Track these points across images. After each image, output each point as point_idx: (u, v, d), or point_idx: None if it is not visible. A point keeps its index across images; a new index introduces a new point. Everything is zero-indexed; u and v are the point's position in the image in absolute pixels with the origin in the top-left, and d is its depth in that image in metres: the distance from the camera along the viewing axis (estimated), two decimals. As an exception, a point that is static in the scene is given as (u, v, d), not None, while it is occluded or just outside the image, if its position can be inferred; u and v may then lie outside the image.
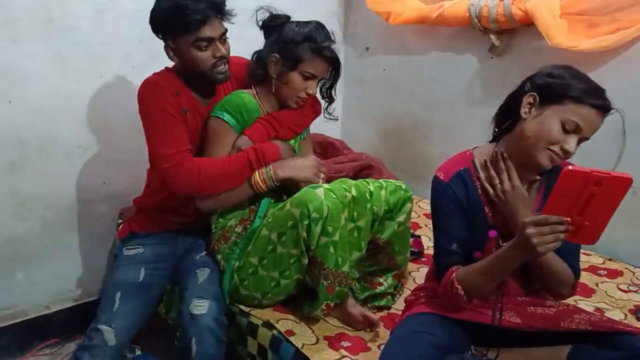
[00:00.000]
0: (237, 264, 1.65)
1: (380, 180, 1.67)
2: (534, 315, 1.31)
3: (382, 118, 2.93)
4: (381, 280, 1.71)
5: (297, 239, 1.51)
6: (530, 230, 1.12)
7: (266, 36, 1.76)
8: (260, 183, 1.67)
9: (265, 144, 1.70)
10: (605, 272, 1.93)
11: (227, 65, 1.72)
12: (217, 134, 1.70)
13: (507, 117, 1.38)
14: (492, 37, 2.28)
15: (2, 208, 2.01)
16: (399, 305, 1.72)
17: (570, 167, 1.07)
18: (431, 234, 2.23)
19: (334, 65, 1.74)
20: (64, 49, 2.03)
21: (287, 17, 1.74)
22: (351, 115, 3.03)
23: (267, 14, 1.74)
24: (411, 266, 1.94)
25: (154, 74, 1.77)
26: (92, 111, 2.14)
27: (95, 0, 2.06)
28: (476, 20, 2.25)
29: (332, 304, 1.56)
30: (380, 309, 1.71)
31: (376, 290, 1.70)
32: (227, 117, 1.69)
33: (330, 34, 1.72)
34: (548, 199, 1.12)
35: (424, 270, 1.96)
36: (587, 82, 1.25)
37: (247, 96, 1.73)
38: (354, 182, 1.61)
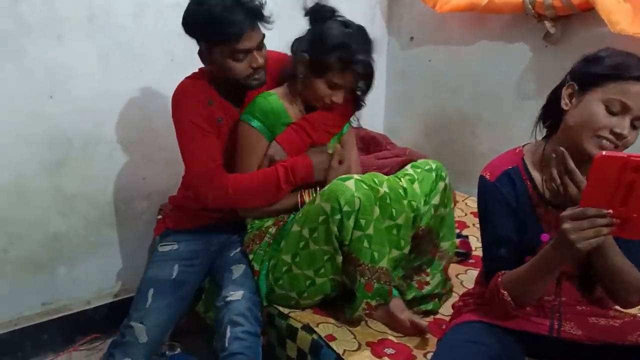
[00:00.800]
0: (271, 262, 1.60)
1: (409, 170, 1.58)
2: (597, 327, 1.20)
3: (428, 112, 2.82)
4: (428, 278, 1.61)
5: (329, 235, 1.44)
6: (566, 226, 1.02)
7: (310, 24, 1.65)
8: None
9: (297, 160, 1.63)
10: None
11: (263, 72, 1.65)
12: (247, 142, 1.65)
13: (551, 114, 1.27)
14: (548, 24, 2.14)
15: (46, 205, 2.02)
16: (445, 310, 1.63)
17: (603, 153, 0.95)
18: (479, 234, 2.16)
19: (366, 78, 1.64)
20: (106, 47, 2.01)
21: (332, 12, 1.63)
22: (395, 109, 2.93)
23: (313, 3, 1.63)
24: (458, 268, 1.85)
25: (188, 78, 1.72)
26: (133, 109, 2.12)
27: (136, -4, 2.04)
28: (530, 6, 2.11)
29: (373, 303, 1.48)
30: (426, 313, 1.62)
31: (423, 291, 1.60)
32: (254, 122, 1.63)
33: (371, 42, 1.61)
34: (584, 189, 1.01)
35: (473, 273, 1.87)
36: (626, 56, 1.13)
37: (274, 98, 1.65)
38: (385, 177, 1.54)
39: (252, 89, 1.67)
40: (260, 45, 1.62)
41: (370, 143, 2.55)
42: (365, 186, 1.43)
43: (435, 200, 1.57)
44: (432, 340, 1.48)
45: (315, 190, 1.62)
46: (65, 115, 1.98)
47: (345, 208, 1.41)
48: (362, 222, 1.41)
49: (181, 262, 1.72)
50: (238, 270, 1.66)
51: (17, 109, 1.88)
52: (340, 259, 1.48)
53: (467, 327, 1.26)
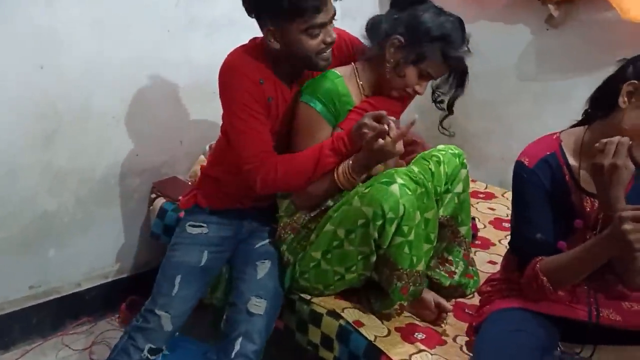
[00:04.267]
0: (299, 255, 1.56)
1: (435, 152, 1.56)
2: (633, 312, 1.24)
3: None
4: (453, 267, 1.61)
5: (367, 238, 1.40)
6: (627, 227, 1.04)
7: (395, 5, 1.56)
8: (342, 180, 1.51)
9: (342, 132, 1.54)
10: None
11: (330, 50, 1.53)
12: (309, 126, 1.55)
13: (603, 101, 1.26)
14: (551, 6, 2.15)
15: (35, 182, 1.89)
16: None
17: None
18: (480, 215, 2.19)
19: (461, 76, 1.59)
20: (99, 14, 1.87)
21: None
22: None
23: None
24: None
25: (237, 52, 1.58)
26: (127, 80, 2.00)
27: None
28: (535, -12, 2.12)
29: (406, 304, 1.47)
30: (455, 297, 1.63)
31: (453, 279, 1.60)
32: (319, 106, 1.53)
33: (467, 37, 1.56)
34: None
35: (482, 255, 1.90)
36: None
37: (340, 80, 1.55)
38: (417, 168, 1.51)
39: (319, 70, 1.55)
40: (334, 18, 1.51)
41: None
42: (409, 191, 1.39)
43: (458, 188, 1.56)
44: (458, 324, 1.49)
45: (348, 166, 1.51)
46: (54, 87, 1.84)
47: (390, 215, 1.36)
48: (405, 228, 1.38)
49: (211, 248, 1.64)
50: (263, 268, 1.59)
51: (4, 78, 1.73)
52: (374, 258, 1.45)
53: (508, 315, 1.27)
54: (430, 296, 1.50)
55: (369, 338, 1.40)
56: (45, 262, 2.00)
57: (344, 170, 1.50)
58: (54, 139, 1.88)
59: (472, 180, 2.50)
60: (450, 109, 1.68)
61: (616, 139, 1.13)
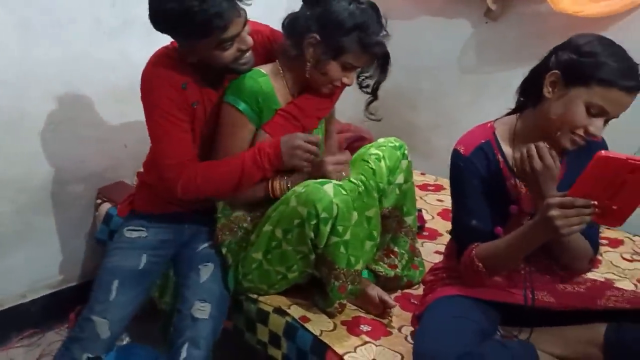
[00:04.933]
0: (240, 255, 1.54)
1: (374, 148, 1.57)
2: (567, 293, 1.28)
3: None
4: (396, 261, 1.63)
5: (304, 238, 1.40)
6: (554, 212, 1.09)
7: (306, 1, 1.52)
8: (279, 194, 1.50)
9: (265, 142, 1.51)
10: (608, 242, 1.92)
11: (251, 52, 1.50)
12: (231, 126, 1.53)
13: (530, 91, 1.29)
14: (489, 0, 2.20)
15: (-32, 192, 1.82)
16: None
17: (604, 153, 1.01)
18: (429, 207, 2.22)
19: (384, 60, 1.55)
20: (28, 14, 1.81)
21: None
22: (333, 83, 2.91)
23: None
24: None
25: (160, 56, 1.54)
26: (62, 83, 1.94)
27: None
28: (472, -18, 2.16)
29: (344, 302, 1.48)
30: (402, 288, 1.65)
31: (396, 271, 1.62)
32: (242, 105, 1.51)
33: (384, 21, 1.50)
34: (577, 181, 1.07)
35: (428, 245, 1.93)
36: (619, 61, 1.14)
37: (264, 79, 1.52)
38: (354, 165, 1.53)
39: (242, 73, 1.53)
40: (245, 23, 1.46)
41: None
42: (343, 191, 1.39)
43: (400, 179, 1.58)
44: (403, 314, 1.51)
45: (288, 183, 1.52)
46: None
47: (323, 215, 1.35)
48: (340, 228, 1.38)
49: (149, 251, 1.60)
50: (206, 271, 1.57)
51: None
52: (313, 257, 1.45)
53: (449, 302, 1.29)
54: (374, 292, 1.51)
55: (315, 333, 1.40)
56: (-15, 274, 1.93)
57: (282, 188, 1.51)
58: (-16, 145, 1.82)
59: (422, 173, 2.54)
60: (374, 94, 1.67)
61: (537, 144, 1.19)
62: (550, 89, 1.20)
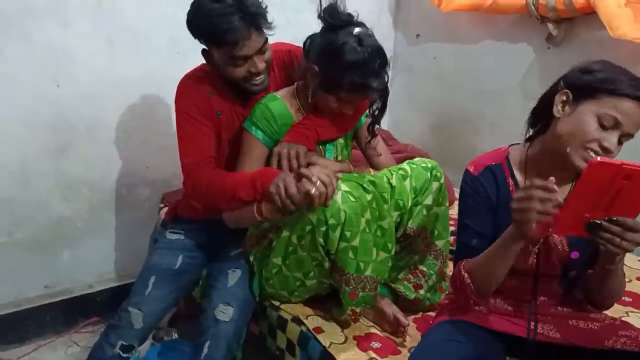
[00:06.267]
0: (263, 262, 1.63)
1: (405, 165, 1.59)
2: (576, 329, 1.23)
3: (432, 109, 2.83)
4: (422, 281, 1.63)
5: (315, 244, 1.45)
6: (514, 205, 1.08)
7: (323, 30, 1.51)
8: (265, 215, 1.51)
9: (268, 169, 1.54)
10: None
11: (264, 76, 1.60)
12: (247, 150, 1.61)
13: (540, 118, 1.28)
14: (550, 26, 2.15)
15: (50, 189, 2.08)
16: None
17: (598, 159, 0.98)
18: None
19: (381, 101, 1.57)
20: (112, 33, 2.05)
21: (350, 20, 1.47)
22: (399, 104, 2.94)
23: (329, 4, 1.48)
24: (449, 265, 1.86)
25: (193, 70, 1.71)
26: (137, 95, 2.17)
27: (143, -16, 2.07)
28: (533, 8, 2.12)
29: (358, 310, 1.51)
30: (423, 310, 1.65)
31: (420, 292, 1.63)
32: (255, 132, 1.58)
33: (386, 63, 1.48)
34: (572, 191, 1.04)
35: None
36: (624, 74, 1.13)
37: (277, 104, 1.58)
38: (373, 177, 1.55)
39: (253, 94, 1.64)
40: (263, 50, 1.57)
41: (371, 139, 2.57)
42: (352, 198, 1.43)
43: (428, 200, 1.58)
44: (418, 336, 1.51)
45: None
46: (69, 99, 2.02)
47: (331, 221, 1.41)
48: (348, 234, 1.42)
49: (185, 252, 1.74)
50: (234, 276, 1.66)
51: (22, 92, 1.93)
52: (327, 264, 1.50)
53: (447, 326, 1.28)
54: (389, 309, 1.53)
55: (324, 344, 1.45)
56: (60, 263, 2.18)
57: (265, 210, 1.52)
58: (68, 150, 2.07)
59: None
60: (371, 132, 1.69)
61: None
62: (560, 108, 1.19)
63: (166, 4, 2.12)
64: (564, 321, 1.25)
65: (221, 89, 1.67)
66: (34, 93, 1.95)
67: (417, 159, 1.67)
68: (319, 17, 1.50)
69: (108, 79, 2.08)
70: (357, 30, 1.46)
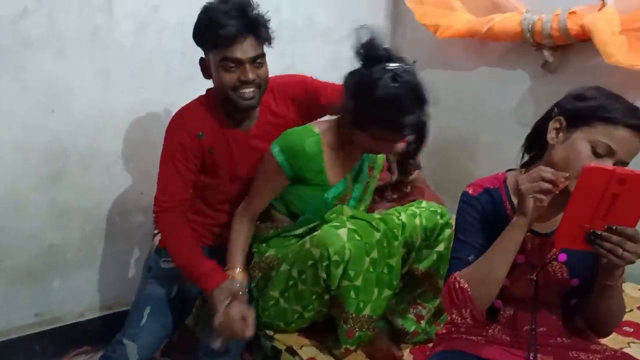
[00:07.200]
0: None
1: (414, 206, 1.57)
2: (578, 360, 1.20)
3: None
4: (424, 312, 1.61)
5: (317, 279, 1.44)
6: (522, 186, 1.11)
7: (361, 65, 1.46)
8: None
9: (215, 275, 1.54)
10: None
11: (256, 91, 1.57)
12: (265, 170, 1.58)
13: (535, 144, 1.27)
14: (546, 53, 2.16)
15: (42, 217, 2.04)
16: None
17: (592, 164, 0.99)
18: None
19: (417, 138, 1.57)
20: (108, 63, 2.05)
21: (387, 54, 1.42)
22: (395, 130, 2.95)
23: (366, 39, 1.42)
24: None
25: (188, 106, 1.70)
26: (131, 124, 2.15)
27: (138, 15, 2.07)
28: (529, 35, 2.13)
29: (352, 348, 1.48)
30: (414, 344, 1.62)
31: (421, 323, 1.61)
32: (279, 157, 1.53)
33: (425, 100, 1.44)
34: (569, 200, 1.02)
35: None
36: (619, 102, 1.12)
37: (314, 140, 1.52)
38: (382, 217, 1.53)
39: (242, 110, 1.62)
40: (260, 62, 1.56)
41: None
42: (357, 237, 1.41)
43: (440, 247, 1.56)
44: (414, 368, 1.48)
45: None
46: (63, 129, 2.00)
47: (335, 257, 1.38)
48: (351, 273, 1.40)
49: (181, 282, 1.71)
50: None
51: (15, 122, 1.91)
52: (328, 296, 1.48)
53: (444, 357, 1.25)
54: (382, 342, 1.50)
55: (318, 376, 1.41)
56: (50, 292, 2.13)
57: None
58: (60, 178, 2.04)
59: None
60: (403, 171, 1.70)
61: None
62: (553, 135, 1.18)
63: (162, 35, 2.13)
64: (564, 352, 1.22)
65: (213, 124, 1.65)
66: (27, 123, 1.93)
67: (425, 203, 1.63)
68: (356, 52, 1.46)
69: (103, 108, 2.06)
70: (394, 65, 1.40)
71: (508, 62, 2.37)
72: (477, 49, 2.46)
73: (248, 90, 1.56)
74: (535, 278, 1.22)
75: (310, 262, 1.43)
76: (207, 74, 1.63)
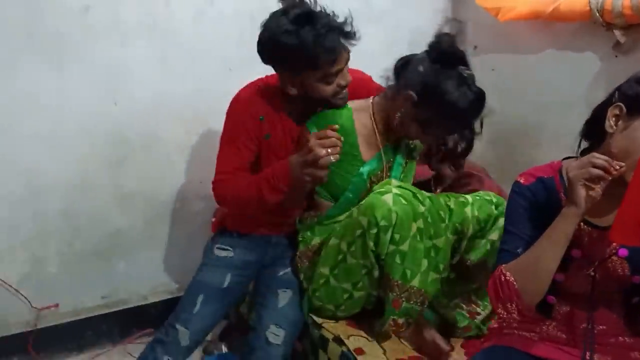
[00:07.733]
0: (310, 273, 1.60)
1: (467, 195, 1.52)
2: (638, 362, 1.12)
3: (491, 121, 2.68)
4: (479, 309, 1.57)
5: (366, 249, 1.42)
6: (571, 173, 1.07)
7: (430, 54, 1.48)
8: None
9: (279, 164, 1.55)
10: None
11: (347, 90, 1.60)
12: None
13: (594, 132, 1.19)
14: (617, 33, 2.01)
15: (107, 202, 2.14)
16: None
17: None
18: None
19: (467, 146, 1.65)
20: (167, 52, 2.11)
21: (463, 58, 1.46)
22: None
23: (446, 37, 1.46)
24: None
25: (248, 87, 1.70)
26: (191, 112, 2.21)
27: (196, 4, 2.11)
28: (598, 14, 1.99)
29: (400, 321, 1.45)
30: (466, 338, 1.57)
31: (475, 320, 1.56)
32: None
33: (483, 111, 1.49)
34: (625, 194, 0.98)
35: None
36: None
37: (346, 112, 1.58)
38: (429, 195, 1.49)
39: (337, 108, 1.62)
40: (347, 62, 1.56)
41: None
42: (404, 201, 1.39)
43: (494, 236, 1.51)
44: (465, 361, 1.44)
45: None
46: (126, 116, 2.08)
47: (382, 222, 1.37)
48: (397, 236, 1.38)
49: (234, 271, 1.73)
50: (284, 297, 1.65)
51: (82, 109, 2.00)
52: (377, 273, 1.47)
53: (491, 352, 1.21)
54: (429, 334, 1.47)
55: (364, 366, 1.40)
56: (116, 274, 2.23)
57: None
58: (124, 164, 2.13)
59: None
60: (459, 164, 1.76)
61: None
62: (612, 123, 1.11)
63: (218, 23, 2.16)
64: (624, 353, 1.15)
65: (274, 110, 1.65)
66: (93, 110, 2.02)
67: (480, 192, 1.60)
68: (431, 45, 1.47)
69: (163, 96, 2.13)
70: (468, 72, 1.43)
71: (576, 44, 2.23)
72: (542, 31, 2.33)
73: (344, 92, 1.59)
74: (592, 274, 1.15)
75: (358, 232, 1.42)
76: (291, 86, 1.59)
